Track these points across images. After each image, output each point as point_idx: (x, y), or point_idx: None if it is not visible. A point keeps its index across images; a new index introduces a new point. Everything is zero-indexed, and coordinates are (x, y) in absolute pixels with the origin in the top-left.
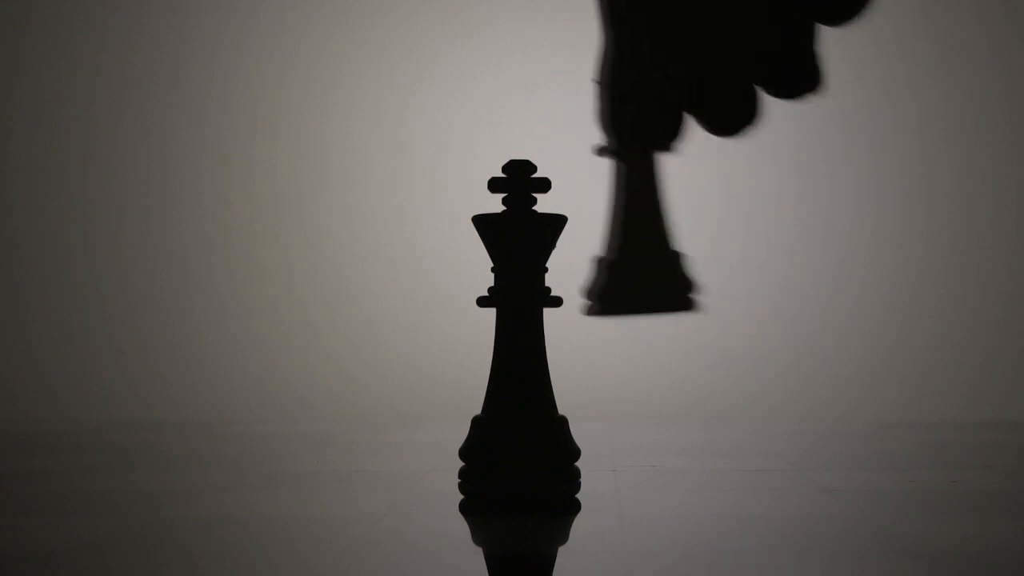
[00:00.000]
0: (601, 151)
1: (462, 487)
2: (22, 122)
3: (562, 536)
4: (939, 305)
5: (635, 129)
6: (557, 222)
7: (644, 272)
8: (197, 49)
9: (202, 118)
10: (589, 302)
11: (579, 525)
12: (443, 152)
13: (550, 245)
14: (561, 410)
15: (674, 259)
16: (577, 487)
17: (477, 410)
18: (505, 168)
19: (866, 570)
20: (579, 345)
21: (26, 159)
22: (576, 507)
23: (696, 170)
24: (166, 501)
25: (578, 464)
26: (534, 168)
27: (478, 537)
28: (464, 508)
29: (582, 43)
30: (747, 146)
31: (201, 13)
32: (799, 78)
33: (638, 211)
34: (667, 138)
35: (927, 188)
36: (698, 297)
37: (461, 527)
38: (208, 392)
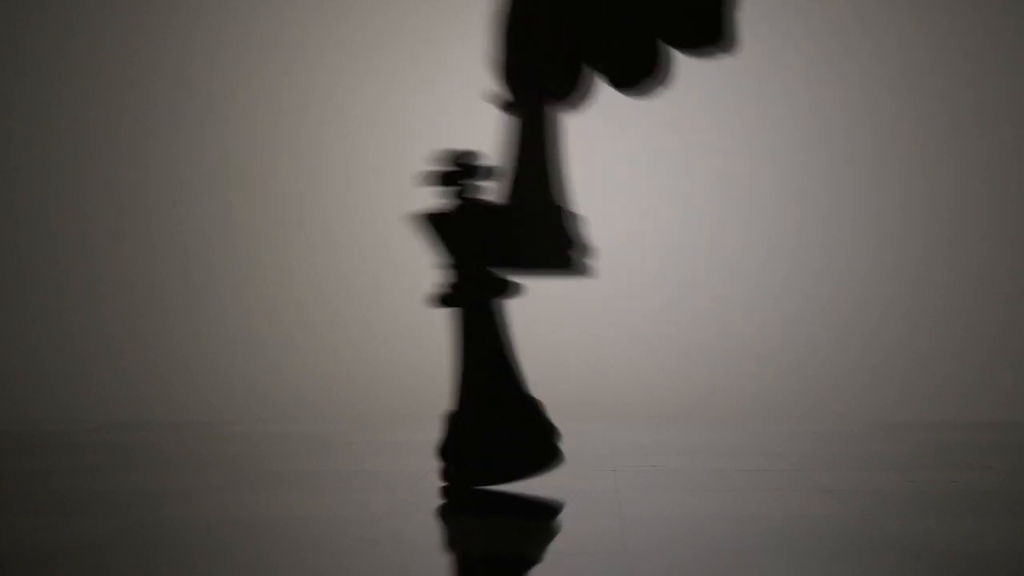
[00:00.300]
0: (494, 101)
1: (446, 489)
2: (22, 122)
3: (561, 536)
4: (939, 305)
5: (531, 80)
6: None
7: (530, 229)
8: (198, 49)
9: (203, 118)
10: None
11: (579, 525)
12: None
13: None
14: (561, 410)
15: (562, 218)
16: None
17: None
18: (457, 158)
19: (866, 570)
20: (579, 345)
21: (26, 159)
22: (560, 457)
23: (696, 169)
24: (166, 501)
25: (578, 464)
26: (479, 156)
27: (474, 538)
28: (450, 509)
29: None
30: (747, 146)
31: (202, 12)
32: (706, 35)
33: (528, 166)
34: (565, 90)
35: (928, 188)
36: (585, 259)
37: (462, 527)
38: (208, 392)
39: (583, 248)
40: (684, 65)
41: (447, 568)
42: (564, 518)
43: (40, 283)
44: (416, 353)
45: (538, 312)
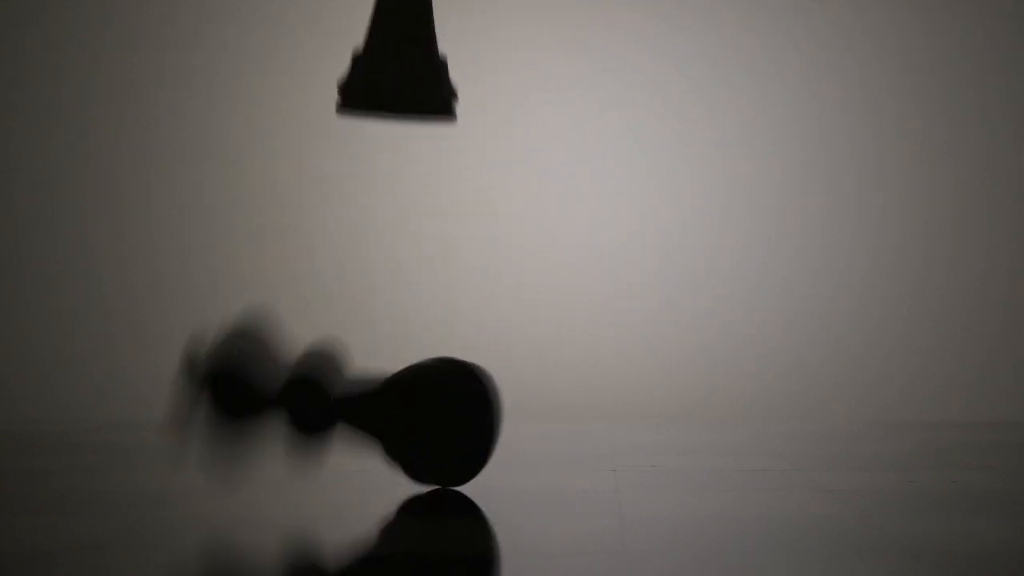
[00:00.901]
0: None
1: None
2: (22, 122)
3: (561, 536)
4: (939, 305)
5: None
6: None
7: (398, 71)
8: (198, 48)
9: (205, 119)
10: (340, 97)
11: (579, 525)
12: (447, 152)
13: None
14: (562, 410)
15: (431, 61)
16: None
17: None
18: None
19: (866, 570)
20: (579, 345)
21: (26, 159)
22: (575, 509)
23: (696, 169)
24: (166, 501)
25: (578, 464)
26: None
27: (472, 537)
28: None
29: (584, 45)
30: (747, 146)
31: (203, 12)
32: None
33: (399, 7)
34: None
35: (928, 187)
36: (453, 104)
37: (462, 527)
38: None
39: (451, 93)
40: (684, 65)
41: (448, 568)
42: (564, 518)
43: (40, 283)
44: (416, 353)
45: (538, 312)
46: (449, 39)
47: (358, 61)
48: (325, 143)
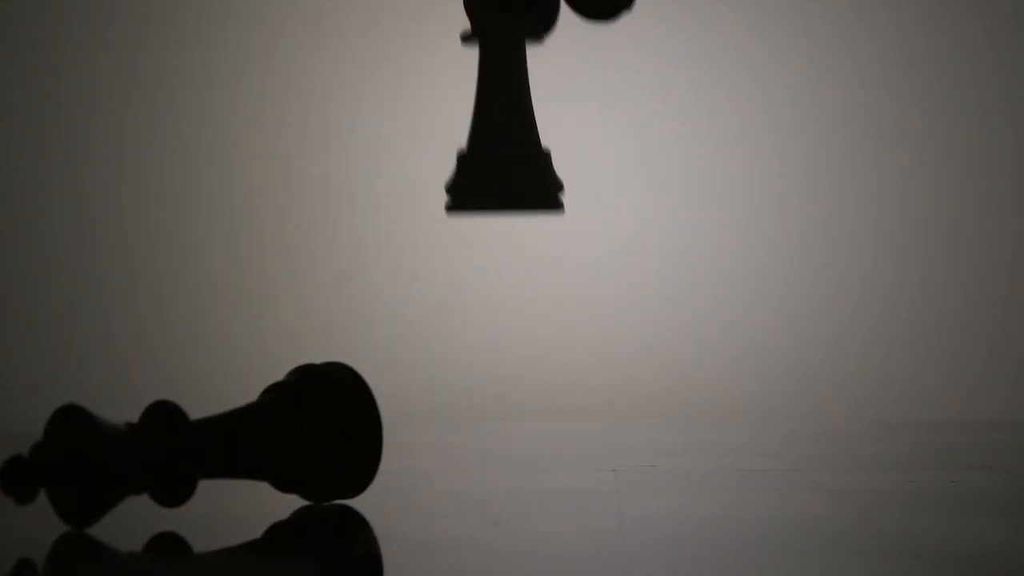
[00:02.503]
0: (466, 38)
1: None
2: (23, 123)
3: (561, 536)
4: (939, 305)
5: (503, 12)
6: None
7: (503, 168)
8: (200, 48)
9: (207, 120)
10: (449, 199)
11: (579, 525)
12: (447, 152)
13: None
14: (562, 410)
15: (536, 156)
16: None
17: (477, 409)
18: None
19: (866, 570)
20: (579, 345)
21: (27, 159)
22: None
23: (696, 169)
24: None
25: (578, 464)
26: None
27: (470, 537)
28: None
29: (588, 45)
30: (747, 145)
31: (203, 14)
32: None
33: (501, 103)
34: (539, 23)
35: (928, 187)
36: (560, 196)
37: (461, 526)
38: (210, 392)
39: (557, 185)
40: (683, 65)
41: (448, 568)
42: (564, 518)
43: (41, 283)
44: (416, 353)
45: (538, 312)
46: (449, 38)
47: (463, 161)
48: (330, 143)
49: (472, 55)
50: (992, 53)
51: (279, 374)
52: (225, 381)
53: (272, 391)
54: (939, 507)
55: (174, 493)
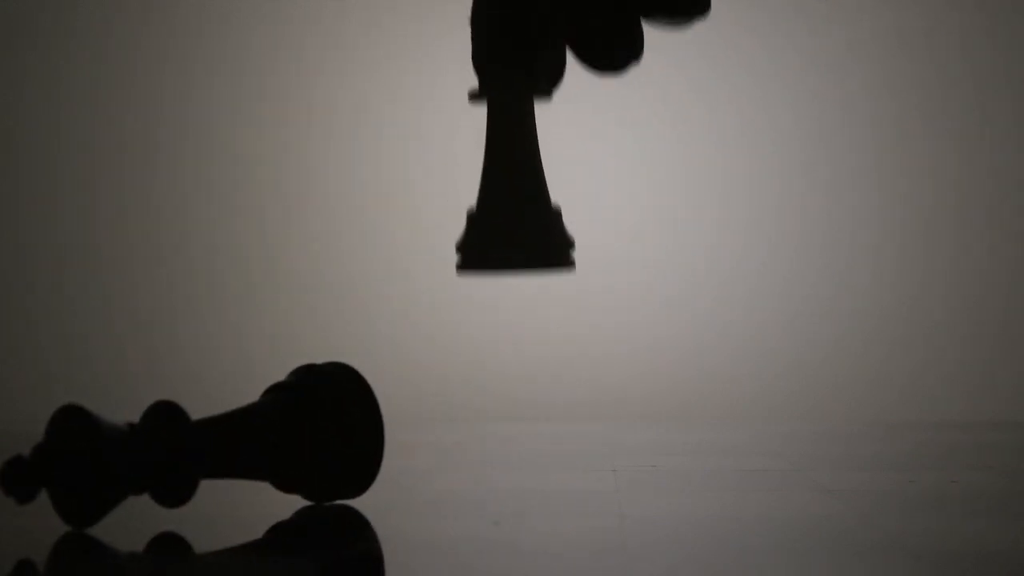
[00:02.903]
0: (474, 96)
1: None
2: (25, 122)
3: (561, 536)
4: (940, 305)
5: (512, 70)
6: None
7: (514, 227)
8: (201, 49)
9: (209, 121)
10: (460, 257)
11: (579, 525)
12: (446, 153)
13: None
14: (562, 410)
15: (546, 214)
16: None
17: (477, 409)
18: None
19: (866, 570)
20: (579, 345)
21: (28, 159)
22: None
23: (696, 169)
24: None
25: (578, 464)
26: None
27: (471, 537)
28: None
29: None
30: (748, 145)
31: (203, 12)
32: (685, 5)
33: (510, 161)
34: (547, 80)
35: (929, 187)
36: (571, 254)
37: (461, 526)
38: (210, 392)
39: (567, 242)
40: (683, 65)
41: (448, 568)
42: (564, 518)
43: (41, 283)
44: (417, 353)
45: (538, 312)
46: (451, 38)
47: (473, 220)
48: (331, 144)
49: (470, 60)
50: (993, 53)
51: (280, 374)
52: (227, 381)
53: (274, 391)
54: (939, 507)
55: (175, 493)
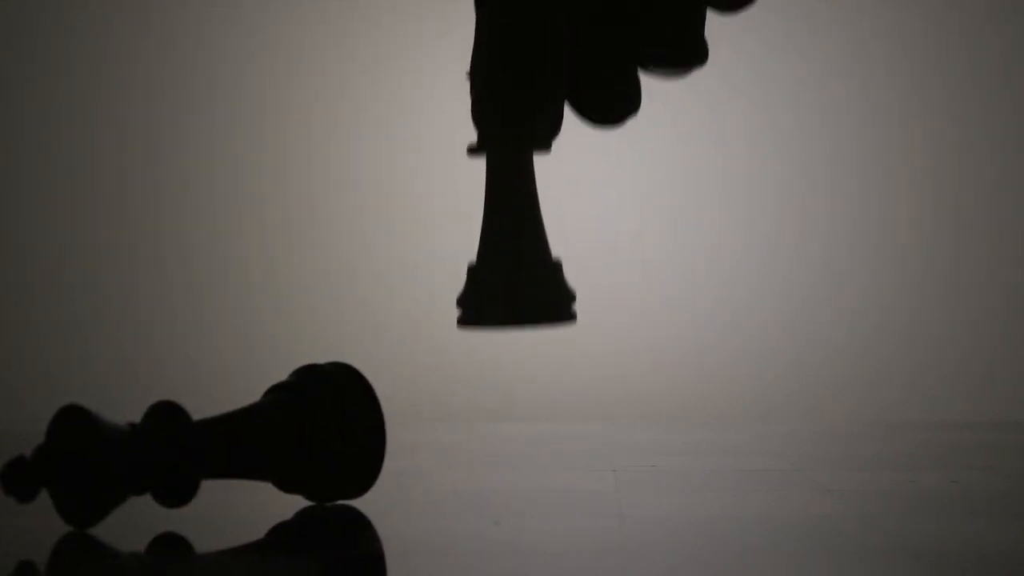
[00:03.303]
0: (472, 150)
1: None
2: (27, 124)
3: (561, 536)
4: (940, 306)
5: (510, 124)
6: None
7: (514, 282)
8: (203, 50)
9: (212, 122)
10: (460, 312)
11: (579, 525)
12: (445, 153)
13: None
14: (562, 410)
15: (546, 268)
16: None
17: (477, 409)
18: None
19: (866, 570)
20: (578, 345)
21: (28, 159)
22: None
23: (697, 169)
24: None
25: (578, 464)
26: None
27: (473, 537)
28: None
29: None
30: (748, 146)
31: (205, 12)
32: (685, 55)
33: (509, 215)
34: (546, 134)
35: (930, 188)
36: (571, 307)
37: (461, 526)
38: (210, 392)
39: (568, 296)
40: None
41: (448, 568)
42: (564, 518)
43: (41, 283)
44: (416, 352)
45: None
46: (452, 38)
47: (473, 274)
48: (332, 145)
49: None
50: (994, 53)
51: (282, 374)
52: (228, 381)
53: (275, 391)
54: (939, 507)
55: (176, 493)
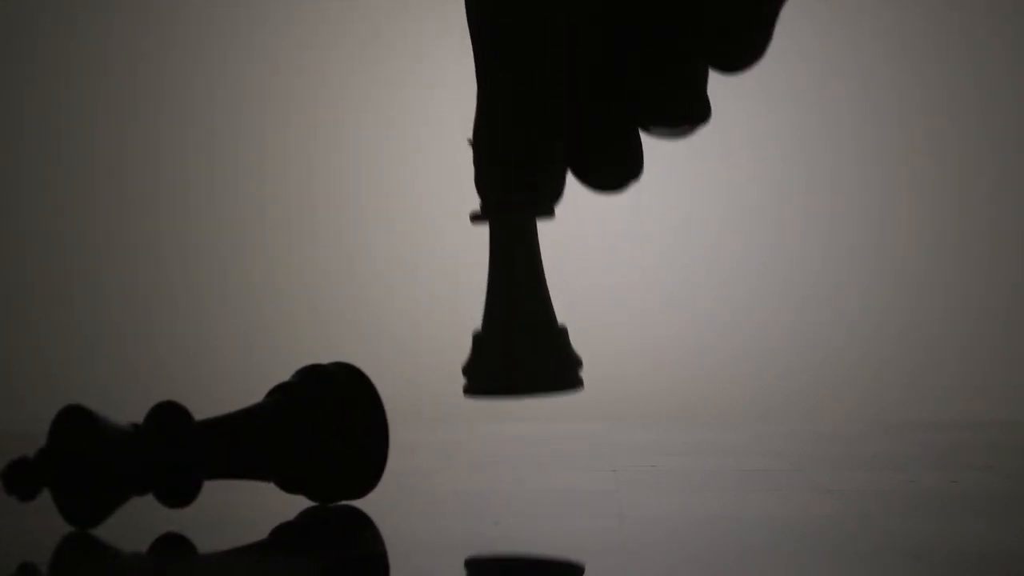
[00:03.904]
0: (476, 217)
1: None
2: (27, 124)
3: (561, 536)
4: (941, 305)
5: (514, 191)
6: None
7: (520, 350)
8: (203, 50)
9: (211, 123)
10: (466, 382)
11: (579, 525)
12: (446, 153)
13: None
14: (561, 410)
15: (551, 336)
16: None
17: (477, 409)
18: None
19: (866, 570)
20: (578, 345)
21: (29, 160)
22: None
23: (697, 169)
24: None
25: (578, 464)
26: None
27: (475, 537)
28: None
29: None
30: (749, 146)
31: (205, 12)
32: (688, 117)
33: (513, 283)
34: (550, 200)
35: (930, 189)
36: (578, 374)
37: (461, 526)
38: (210, 392)
39: (574, 363)
40: None
41: (448, 568)
42: (564, 518)
43: (42, 283)
44: (416, 352)
45: None
46: (452, 38)
47: (479, 343)
48: (332, 145)
49: (471, 59)
50: (994, 53)
51: (280, 374)
52: (230, 382)
53: (278, 392)
54: (939, 507)
55: (179, 494)
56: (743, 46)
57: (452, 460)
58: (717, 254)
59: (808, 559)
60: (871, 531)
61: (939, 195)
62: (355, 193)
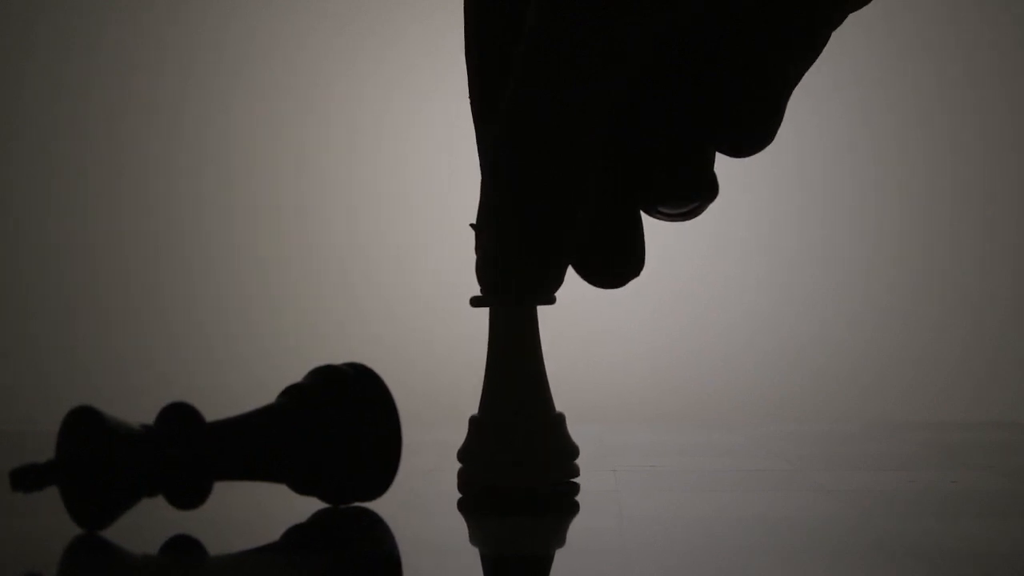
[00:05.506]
0: (477, 302)
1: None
2: (25, 124)
3: (561, 536)
4: (941, 306)
5: (515, 278)
6: None
7: (516, 437)
8: (202, 50)
9: (211, 123)
10: (462, 466)
11: (579, 525)
12: (445, 154)
13: None
14: (561, 410)
15: (548, 425)
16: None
17: (477, 409)
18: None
19: (866, 570)
20: (579, 346)
21: (29, 161)
22: (575, 508)
23: None
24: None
25: (578, 463)
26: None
27: (477, 537)
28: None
29: None
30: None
31: (205, 11)
32: (699, 194)
33: (512, 369)
34: (550, 287)
35: (930, 188)
36: (573, 464)
37: (461, 526)
38: (209, 392)
39: (570, 452)
40: None
41: (448, 568)
42: (564, 518)
43: (41, 284)
44: (416, 353)
45: (538, 312)
46: (452, 36)
47: (476, 427)
48: (331, 145)
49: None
50: (995, 54)
51: (281, 375)
52: (226, 380)
53: (290, 392)
54: (939, 507)
55: (189, 495)
56: (756, 136)
57: (453, 460)
58: (717, 255)
59: (808, 559)
60: (871, 531)
61: (939, 196)
62: (355, 194)
